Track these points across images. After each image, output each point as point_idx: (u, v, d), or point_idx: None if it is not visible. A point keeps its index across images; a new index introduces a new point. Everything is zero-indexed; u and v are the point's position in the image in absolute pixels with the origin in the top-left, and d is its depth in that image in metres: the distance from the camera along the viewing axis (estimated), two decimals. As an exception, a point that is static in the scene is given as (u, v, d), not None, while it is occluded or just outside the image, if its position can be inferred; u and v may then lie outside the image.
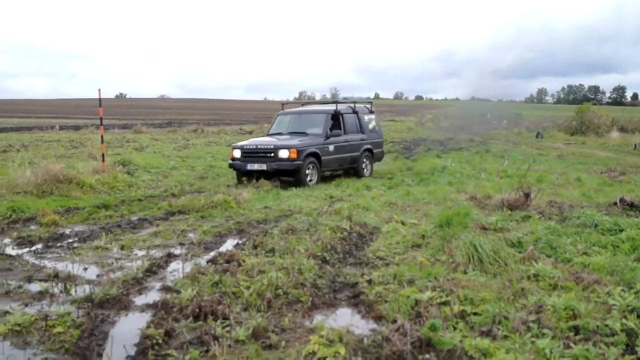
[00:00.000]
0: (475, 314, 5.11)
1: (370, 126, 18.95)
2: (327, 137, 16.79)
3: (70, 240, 8.71)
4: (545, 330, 4.64)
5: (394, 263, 6.98)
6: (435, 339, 4.41)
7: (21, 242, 8.69)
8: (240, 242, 8.37)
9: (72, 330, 4.95)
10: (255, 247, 7.78)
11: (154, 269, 6.97)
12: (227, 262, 6.99)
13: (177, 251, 7.96)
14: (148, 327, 4.96)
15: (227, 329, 4.83)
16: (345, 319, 5.33)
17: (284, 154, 15.51)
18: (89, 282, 6.51)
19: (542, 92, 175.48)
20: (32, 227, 9.91)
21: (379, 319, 5.25)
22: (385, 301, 5.61)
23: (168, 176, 17.02)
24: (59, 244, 8.50)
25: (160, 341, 4.66)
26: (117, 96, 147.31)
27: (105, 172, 15.35)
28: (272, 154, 15.61)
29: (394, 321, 5.00)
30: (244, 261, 6.95)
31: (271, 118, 43.65)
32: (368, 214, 10.32)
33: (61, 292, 6.17)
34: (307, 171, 15.79)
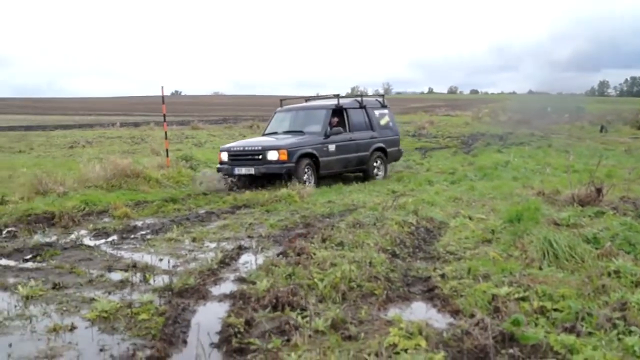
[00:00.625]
0: (555, 310, 5.05)
1: (383, 122, 17.03)
2: (327, 136, 15.03)
3: (143, 232, 8.96)
4: (633, 328, 4.55)
5: (465, 258, 6.95)
6: (519, 334, 4.39)
7: (97, 233, 8.99)
8: (307, 235, 8.44)
9: (157, 318, 5.11)
10: (323, 240, 7.83)
11: (226, 261, 7.11)
12: (298, 254, 7.05)
13: (247, 243, 8.10)
14: (229, 316, 5.06)
15: (306, 319, 4.89)
16: (420, 312, 5.34)
17: (272, 155, 13.79)
18: (165, 272, 6.69)
19: (603, 85, 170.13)
20: (106, 219, 10.23)
21: (455, 313, 5.23)
22: (461, 295, 5.58)
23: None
24: (133, 236, 8.75)
25: (241, 330, 4.74)
26: (172, 93, 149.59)
27: (170, 167, 15.66)
28: (260, 156, 13.92)
29: (472, 315, 4.98)
30: (314, 254, 7.01)
31: None
32: (433, 209, 10.28)
33: (140, 281, 6.36)
34: (302, 174, 14.01)
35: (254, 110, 72.39)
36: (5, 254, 7.81)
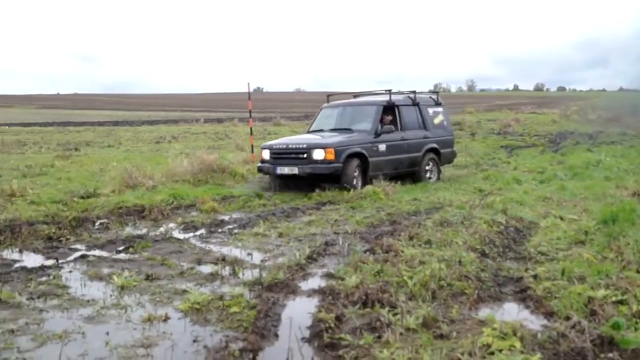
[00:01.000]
0: (657, 314, 4.84)
1: (436, 121, 15.76)
2: (377, 134, 13.81)
3: (230, 227, 9.10)
4: None
5: (558, 259, 6.75)
6: (618, 338, 4.23)
7: (186, 227, 9.19)
8: (394, 232, 8.39)
9: (248, 311, 5.17)
10: (411, 238, 7.76)
11: (314, 256, 7.13)
12: (386, 252, 7.01)
13: (333, 240, 8.09)
14: (319, 311, 5.07)
15: (397, 317, 4.85)
16: (513, 313, 5.22)
17: (318, 154, 12.64)
18: (254, 266, 6.77)
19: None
20: (194, 213, 10.45)
21: (549, 314, 5.09)
22: (555, 297, 5.43)
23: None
24: (220, 230, 8.89)
25: (332, 325, 4.74)
26: (255, 90, 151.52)
27: (254, 162, 15.86)
28: (305, 155, 12.79)
29: (568, 318, 4.83)
30: (402, 252, 6.95)
31: None
32: (523, 208, 10.05)
33: (230, 274, 6.46)
34: (352, 176, 12.89)
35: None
36: (99, 245, 8.07)
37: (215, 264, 6.75)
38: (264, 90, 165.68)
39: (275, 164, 13.15)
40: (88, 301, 5.65)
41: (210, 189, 12.77)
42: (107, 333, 4.81)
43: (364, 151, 13.21)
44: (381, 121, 14.19)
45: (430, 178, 15.03)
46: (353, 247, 7.60)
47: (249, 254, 7.41)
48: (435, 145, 15.30)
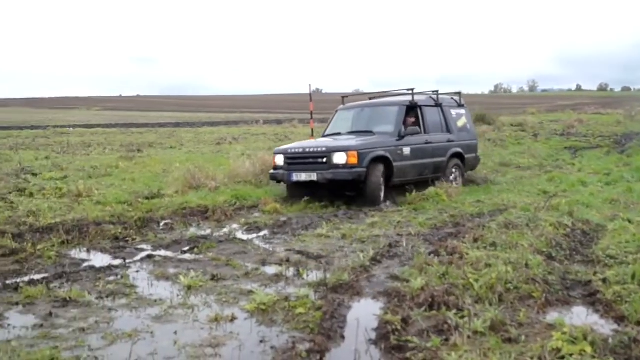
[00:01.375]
0: None
1: (460, 124, 14.51)
2: (401, 137, 12.48)
3: (293, 228, 9.15)
4: None
5: (627, 262, 6.57)
6: (694, 344, 4.11)
7: (249, 227, 9.30)
8: (458, 235, 8.32)
9: (313, 312, 5.19)
10: (475, 240, 7.68)
11: (378, 258, 7.12)
12: (450, 254, 6.96)
13: (397, 241, 8.06)
14: (385, 313, 5.06)
15: (464, 320, 4.80)
16: (582, 317, 5.11)
17: (339, 158, 11.36)
18: (318, 267, 6.78)
19: None
20: (256, 214, 10.60)
21: (620, 319, 4.97)
22: (626, 301, 5.29)
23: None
24: (283, 231, 8.95)
25: (398, 327, 4.72)
26: (313, 91, 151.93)
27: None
28: (325, 159, 11.48)
29: (639, 323, 4.73)
30: (467, 254, 6.88)
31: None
32: (589, 211, 9.86)
33: (295, 275, 6.50)
34: (377, 183, 11.58)
35: (394, 108, 72.03)
36: (164, 245, 8.22)
37: (280, 265, 6.80)
38: (323, 91, 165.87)
39: (290, 170, 11.81)
40: (156, 301, 5.75)
41: (271, 190, 12.89)
42: (175, 332, 4.89)
43: (388, 155, 11.85)
44: (404, 123, 12.97)
45: (453, 184, 13.41)
46: (417, 249, 7.56)
47: (312, 255, 7.44)
48: (459, 150, 14.05)
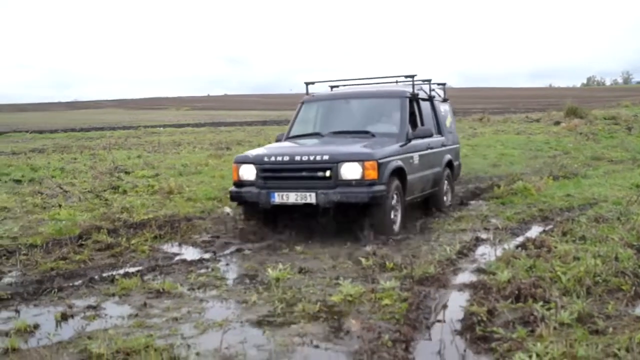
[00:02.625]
0: None
1: (448, 123, 11.35)
2: (408, 140, 9.14)
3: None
4: None
5: None
6: None
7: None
8: (546, 228, 8.20)
9: (399, 304, 5.27)
10: (564, 234, 7.56)
11: (464, 251, 7.13)
12: (538, 247, 6.89)
13: (484, 235, 8.04)
14: (471, 304, 5.10)
15: (551, 311, 4.76)
16: (674, 311, 4.98)
17: (351, 171, 7.93)
18: (404, 260, 6.82)
19: None
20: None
21: None
22: None
23: (461, 164, 17.07)
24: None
25: (484, 319, 4.75)
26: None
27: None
28: (328, 173, 7.98)
29: None
30: (555, 247, 6.79)
31: (557, 105, 41.09)
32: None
33: (381, 268, 6.58)
34: (392, 207, 8.33)
35: (483, 103, 71.02)
36: (252, 239, 8.36)
37: (366, 258, 6.87)
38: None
39: (269, 188, 8.22)
40: (245, 292, 5.95)
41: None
42: (263, 322, 5.06)
43: (403, 165, 8.63)
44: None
45: (447, 200, 10.79)
46: (504, 242, 7.50)
47: (398, 249, 7.51)
48: (450, 157, 11.00)
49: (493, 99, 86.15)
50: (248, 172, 8.44)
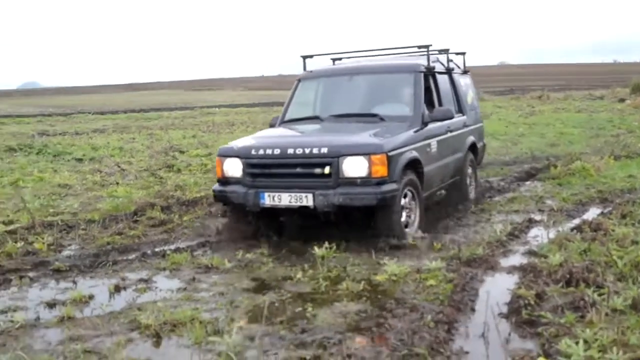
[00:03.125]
0: None
1: (469, 99, 9.80)
2: (424, 123, 7.69)
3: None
4: None
5: None
6: None
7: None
8: (604, 210, 7.95)
9: (444, 285, 5.19)
10: (623, 216, 7.32)
11: (515, 233, 6.95)
12: (594, 230, 6.66)
13: (537, 217, 7.83)
14: (519, 287, 4.97)
15: (603, 297, 4.61)
16: None
17: (355, 166, 6.60)
18: (452, 241, 6.73)
19: None
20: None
21: None
22: None
23: (517, 143, 16.71)
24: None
25: (532, 302, 4.62)
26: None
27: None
28: (327, 169, 6.64)
29: None
30: (612, 230, 6.57)
31: (622, 82, 39.46)
32: None
33: (428, 248, 6.51)
34: (406, 206, 7.03)
35: (542, 80, 69.37)
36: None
37: (412, 239, 6.78)
38: (467, 64, 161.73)
39: (257, 187, 6.92)
40: (291, 269, 5.98)
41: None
42: (307, 298, 5.10)
43: (418, 156, 7.24)
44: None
45: (471, 190, 9.41)
46: (558, 224, 7.31)
47: (446, 229, 7.41)
48: (473, 139, 9.48)
49: (552, 75, 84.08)
50: (233, 168, 7.11)
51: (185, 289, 5.51)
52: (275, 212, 7.17)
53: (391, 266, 5.60)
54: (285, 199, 6.74)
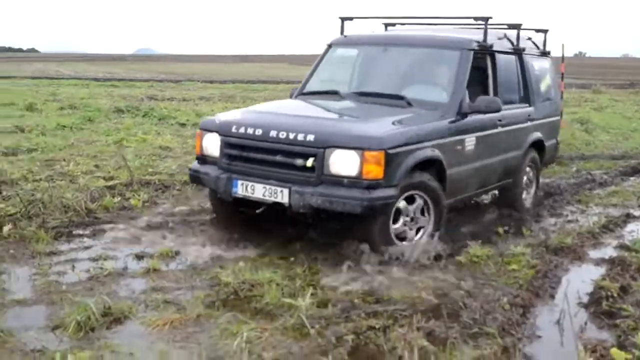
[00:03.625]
0: None
1: (543, 86, 7.95)
2: (463, 115, 6.15)
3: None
4: None
5: None
6: None
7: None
8: None
9: (526, 270, 5.15)
10: None
11: (610, 227, 6.74)
12: None
13: (636, 213, 7.54)
14: (603, 279, 4.87)
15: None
16: None
17: (343, 162, 5.23)
18: (542, 229, 6.61)
19: None
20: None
21: None
22: None
23: (628, 138, 16.03)
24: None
25: (614, 294, 4.53)
26: (575, 55, 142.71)
27: (564, 128, 15.21)
28: (310, 161, 5.29)
29: None
30: None
31: None
32: None
33: (516, 233, 6.40)
34: (414, 217, 5.65)
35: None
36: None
37: (502, 224, 6.65)
38: (587, 55, 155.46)
39: (232, 171, 5.70)
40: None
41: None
42: (387, 270, 5.14)
43: (439, 154, 5.74)
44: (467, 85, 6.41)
45: (526, 198, 7.64)
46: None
47: (535, 216, 7.23)
48: (540, 135, 7.66)
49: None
50: (212, 144, 5.94)
51: (267, 254, 5.58)
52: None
53: (474, 248, 5.56)
54: (258, 191, 5.50)
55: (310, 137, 5.29)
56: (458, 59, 6.36)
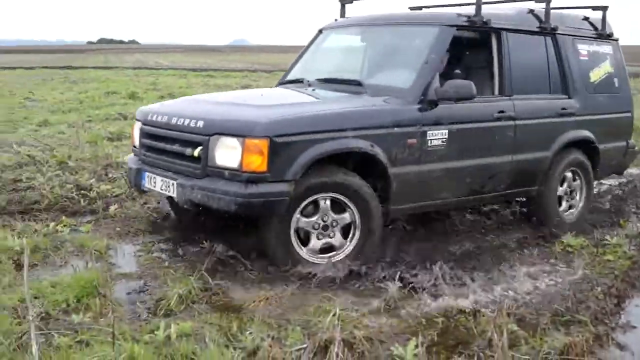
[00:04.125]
0: None
1: (595, 75, 6.55)
2: (430, 103, 5.09)
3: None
4: None
5: None
6: None
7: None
8: None
9: (623, 261, 5.06)
10: None
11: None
12: None
13: None
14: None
15: None
16: None
17: (226, 151, 4.51)
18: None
19: None
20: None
21: None
22: None
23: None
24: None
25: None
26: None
27: None
28: (197, 150, 4.62)
29: None
30: None
31: None
32: None
33: (614, 224, 6.30)
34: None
35: None
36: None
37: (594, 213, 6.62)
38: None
39: (145, 162, 5.31)
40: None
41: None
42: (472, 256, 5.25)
43: (376, 148, 4.78)
44: (445, 70, 5.56)
45: (568, 214, 6.35)
46: None
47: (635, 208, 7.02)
48: (586, 134, 6.35)
49: None
50: (136, 134, 5.49)
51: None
52: None
53: (569, 238, 5.52)
54: (159, 184, 4.99)
55: (200, 124, 4.68)
56: (433, 37, 5.41)
